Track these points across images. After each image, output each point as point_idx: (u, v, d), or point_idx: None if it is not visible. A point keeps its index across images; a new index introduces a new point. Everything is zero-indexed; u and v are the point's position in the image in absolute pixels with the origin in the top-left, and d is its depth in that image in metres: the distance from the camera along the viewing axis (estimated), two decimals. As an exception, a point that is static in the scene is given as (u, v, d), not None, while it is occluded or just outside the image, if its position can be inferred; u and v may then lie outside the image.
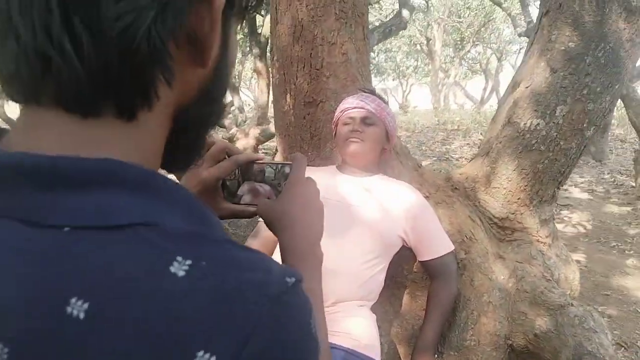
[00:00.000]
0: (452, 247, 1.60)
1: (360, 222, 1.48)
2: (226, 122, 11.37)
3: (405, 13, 5.04)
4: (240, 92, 13.43)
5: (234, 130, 10.18)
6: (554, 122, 1.61)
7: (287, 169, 0.68)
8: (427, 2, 17.49)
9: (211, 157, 0.68)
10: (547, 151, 1.63)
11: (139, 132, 0.36)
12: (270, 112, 10.53)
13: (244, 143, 9.60)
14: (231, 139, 9.98)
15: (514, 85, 1.76)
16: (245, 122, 10.70)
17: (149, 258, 0.31)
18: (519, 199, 1.71)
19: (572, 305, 1.48)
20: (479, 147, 1.96)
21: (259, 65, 9.79)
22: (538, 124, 1.62)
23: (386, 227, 1.50)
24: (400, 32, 18.96)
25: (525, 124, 1.65)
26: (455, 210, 1.74)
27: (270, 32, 1.80)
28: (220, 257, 0.33)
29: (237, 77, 13.28)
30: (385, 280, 1.57)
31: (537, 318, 1.51)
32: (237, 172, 0.69)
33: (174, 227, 0.33)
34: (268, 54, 9.69)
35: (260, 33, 10.04)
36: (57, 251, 0.30)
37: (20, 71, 0.32)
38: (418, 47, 21.61)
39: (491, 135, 1.80)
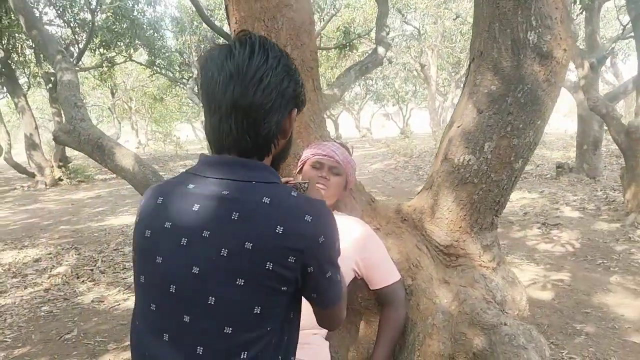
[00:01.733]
0: (399, 276, 1.75)
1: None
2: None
3: (380, 50, 5.27)
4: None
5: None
6: (483, 157, 1.78)
7: (305, 185, 1.25)
8: (419, 30, 17.91)
9: None
10: (480, 183, 1.80)
11: (266, 160, 1.02)
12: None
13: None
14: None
15: (450, 124, 1.94)
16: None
17: (280, 189, 0.95)
18: (460, 227, 1.87)
19: (505, 324, 1.62)
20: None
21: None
22: (470, 159, 1.79)
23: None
24: (395, 60, 19.29)
25: (458, 159, 1.82)
26: (403, 240, 1.90)
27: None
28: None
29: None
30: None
31: (474, 338, 1.64)
32: None
33: (279, 183, 1.00)
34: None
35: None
36: (250, 189, 0.94)
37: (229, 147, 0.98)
38: (415, 72, 21.99)
39: (434, 170, 1.97)
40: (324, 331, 1.68)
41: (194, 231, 0.91)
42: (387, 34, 5.74)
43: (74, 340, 3.44)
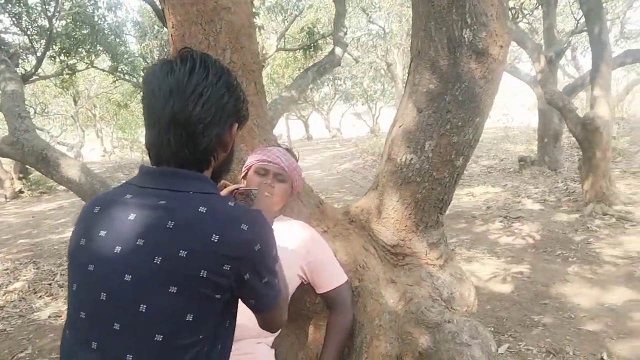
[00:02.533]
0: (346, 278, 1.73)
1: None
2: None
3: (338, 50, 5.27)
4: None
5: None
6: (425, 156, 1.78)
7: (254, 191, 1.27)
8: (384, 29, 18.07)
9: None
10: (422, 182, 1.80)
11: (207, 173, 1.02)
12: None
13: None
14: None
15: (393, 124, 1.94)
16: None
17: (217, 200, 0.97)
18: (406, 226, 1.87)
19: (448, 322, 1.62)
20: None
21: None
22: (411, 158, 1.79)
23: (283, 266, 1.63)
24: (362, 59, 19.39)
25: (401, 159, 1.82)
26: (351, 242, 1.89)
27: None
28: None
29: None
30: (289, 315, 1.69)
31: (420, 337, 1.64)
32: (235, 193, 1.28)
33: (217, 194, 1.01)
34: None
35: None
36: (187, 199, 0.95)
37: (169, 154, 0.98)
38: (382, 71, 22.16)
39: (379, 171, 1.96)
40: (270, 339, 1.65)
41: (128, 239, 0.92)
42: (345, 34, 5.75)
43: (27, 358, 3.32)
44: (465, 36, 1.69)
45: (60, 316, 4.09)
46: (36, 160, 2.75)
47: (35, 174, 14.43)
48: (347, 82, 25.58)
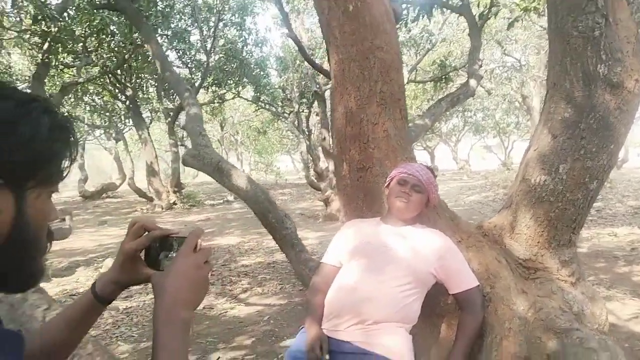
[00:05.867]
0: (477, 283, 1.96)
1: (396, 261, 1.92)
2: (322, 185, 12.21)
3: (472, 82, 5.43)
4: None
5: (328, 192, 10.91)
6: (558, 178, 1.95)
7: (182, 239, 0.84)
8: (519, 61, 17.52)
9: (132, 234, 0.89)
10: (556, 202, 1.96)
11: None
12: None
13: (337, 205, 10.22)
14: (326, 200, 10.68)
15: (527, 149, 2.13)
16: (340, 185, 11.40)
17: None
18: (538, 242, 2.03)
19: (577, 330, 1.75)
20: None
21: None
22: (545, 180, 1.97)
23: (417, 264, 1.91)
24: (495, 91, 18.89)
25: (535, 180, 2.00)
26: (483, 253, 2.10)
27: (331, 118, 2.36)
28: None
29: (329, 145, 14.28)
30: (425, 311, 1.97)
31: (548, 341, 1.79)
32: (156, 244, 0.88)
33: None
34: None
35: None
36: None
37: None
38: (517, 104, 21.36)
39: (512, 191, 2.16)
40: (408, 327, 1.92)
41: None
42: (480, 67, 5.89)
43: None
44: (600, 71, 1.85)
45: (212, 309, 4.73)
46: (212, 170, 3.37)
47: (187, 189, 16.33)
48: (477, 114, 25.02)
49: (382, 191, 2.17)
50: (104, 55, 11.05)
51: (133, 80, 14.34)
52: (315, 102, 17.67)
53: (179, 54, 14.67)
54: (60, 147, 0.70)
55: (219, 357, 3.59)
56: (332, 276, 2.05)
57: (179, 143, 17.42)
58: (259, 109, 19.48)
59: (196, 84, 14.98)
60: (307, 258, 3.14)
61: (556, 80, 1.97)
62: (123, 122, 17.61)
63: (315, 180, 14.62)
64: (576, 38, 1.86)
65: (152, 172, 14.17)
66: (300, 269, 3.13)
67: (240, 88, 16.85)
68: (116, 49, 11.03)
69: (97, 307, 0.93)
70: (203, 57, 14.65)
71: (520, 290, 2.03)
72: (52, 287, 5.75)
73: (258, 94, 17.24)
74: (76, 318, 0.92)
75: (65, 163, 0.72)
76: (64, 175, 0.72)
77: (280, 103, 18.67)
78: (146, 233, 0.89)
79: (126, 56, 11.56)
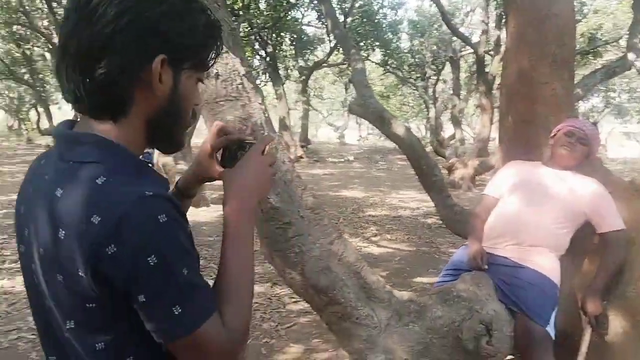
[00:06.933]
0: (623, 226, 2.23)
1: (553, 198, 2.26)
2: (447, 152, 12.34)
3: (630, 56, 5.26)
4: (461, 126, 14.26)
5: (453, 159, 11.05)
6: None
7: (248, 144, 0.95)
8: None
9: (212, 135, 1.01)
10: None
11: (122, 127, 0.79)
12: (490, 146, 11.11)
13: (462, 172, 10.36)
14: (450, 168, 10.85)
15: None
16: (464, 153, 11.47)
17: (88, 173, 0.74)
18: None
19: None
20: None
21: (484, 101, 10.50)
22: None
23: (572, 202, 2.23)
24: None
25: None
26: (633, 204, 2.36)
27: (501, 75, 2.71)
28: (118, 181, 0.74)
29: (459, 112, 14.17)
30: (572, 246, 2.30)
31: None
32: (234, 146, 0.97)
33: (109, 166, 0.75)
34: (494, 91, 10.38)
35: (488, 72, 10.77)
36: (60, 174, 0.76)
37: (73, 101, 0.79)
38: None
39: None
40: (558, 254, 2.26)
41: (28, 214, 0.82)
42: (641, 41, 5.68)
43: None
44: None
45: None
46: (375, 119, 3.86)
47: (312, 145, 17.31)
48: (622, 96, 22.91)
49: (544, 143, 2.49)
50: (256, 13, 12.00)
51: (274, 38, 15.34)
52: (444, 69, 17.51)
53: (319, 14, 15.35)
54: (211, 41, 0.84)
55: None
56: (492, 206, 2.44)
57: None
58: (385, 72, 19.70)
59: (331, 44, 15.62)
60: (452, 203, 3.54)
61: None
62: (259, 77, 18.93)
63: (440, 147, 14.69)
64: None
65: (284, 126, 15.28)
66: (446, 213, 3.54)
67: (370, 51, 17.17)
68: (267, 7, 11.91)
69: (182, 201, 1.03)
70: (341, 18, 15.18)
71: (666, 240, 2.27)
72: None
73: (386, 57, 17.43)
74: None
75: (212, 55, 0.85)
76: (210, 65, 0.87)
77: (407, 68, 18.69)
78: (224, 136, 1.00)
79: (281, 14, 12.39)
